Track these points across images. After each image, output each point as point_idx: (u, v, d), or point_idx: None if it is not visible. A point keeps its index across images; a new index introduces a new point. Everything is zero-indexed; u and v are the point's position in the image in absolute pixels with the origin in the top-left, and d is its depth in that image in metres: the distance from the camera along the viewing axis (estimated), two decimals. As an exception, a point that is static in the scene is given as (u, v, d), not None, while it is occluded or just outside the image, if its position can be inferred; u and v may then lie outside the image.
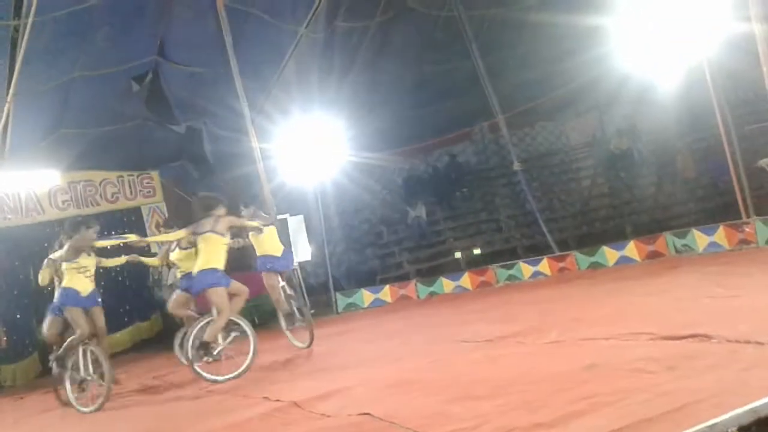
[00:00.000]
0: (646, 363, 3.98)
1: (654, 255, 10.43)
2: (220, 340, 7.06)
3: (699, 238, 9.94)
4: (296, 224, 12.41)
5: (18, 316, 12.58)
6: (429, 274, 13.44)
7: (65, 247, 7.44)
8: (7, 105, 9.87)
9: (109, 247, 8.36)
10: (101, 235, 7.91)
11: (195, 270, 7.12)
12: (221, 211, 7.36)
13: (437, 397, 4.27)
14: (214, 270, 7.06)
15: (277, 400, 5.19)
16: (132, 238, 7.79)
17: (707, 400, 2.99)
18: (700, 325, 4.58)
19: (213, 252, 7.10)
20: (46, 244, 13.15)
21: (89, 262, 7.48)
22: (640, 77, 10.97)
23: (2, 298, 12.40)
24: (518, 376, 4.39)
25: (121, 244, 8.45)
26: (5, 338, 12.15)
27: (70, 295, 7.32)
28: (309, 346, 8.05)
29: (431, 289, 12.62)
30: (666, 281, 8.00)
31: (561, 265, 11.55)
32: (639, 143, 14.67)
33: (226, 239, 7.26)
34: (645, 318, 5.51)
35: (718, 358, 3.82)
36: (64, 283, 7.35)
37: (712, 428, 2.49)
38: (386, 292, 12.98)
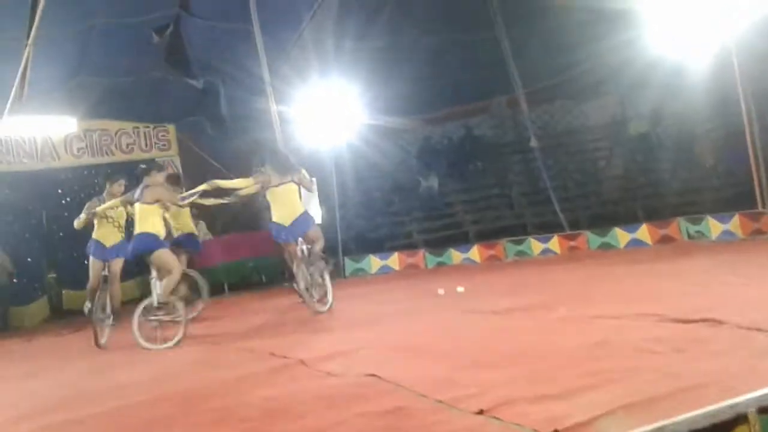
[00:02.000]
0: (654, 344, 3.96)
1: (666, 239, 10.37)
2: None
3: (713, 226, 9.87)
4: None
5: (29, 259, 12.77)
6: (438, 245, 13.45)
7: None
8: (27, 50, 9.84)
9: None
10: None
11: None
12: (154, 179, 7.37)
13: (444, 363, 4.29)
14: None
15: (284, 357, 5.23)
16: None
17: (716, 384, 2.97)
18: (710, 310, 4.55)
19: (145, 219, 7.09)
20: (60, 191, 13.35)
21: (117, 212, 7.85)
22: (665, 61, 10.77)
23: (14, 241, 12.56)
24: (525, 349, 4.40)
25: None
26: (15, 279, 12.30)
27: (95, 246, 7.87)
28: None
29: (440, 259, 12.65)
30: (677, 266, 7.97)
31: (571, 243, 11.52)
32: (658, 127, 14.48)
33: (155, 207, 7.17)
34: (655, 300, 5.49)
35: (728, 344, 3.81)
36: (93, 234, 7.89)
37: (732, 408, 2.48)
38: (394, 260, 13.01)
